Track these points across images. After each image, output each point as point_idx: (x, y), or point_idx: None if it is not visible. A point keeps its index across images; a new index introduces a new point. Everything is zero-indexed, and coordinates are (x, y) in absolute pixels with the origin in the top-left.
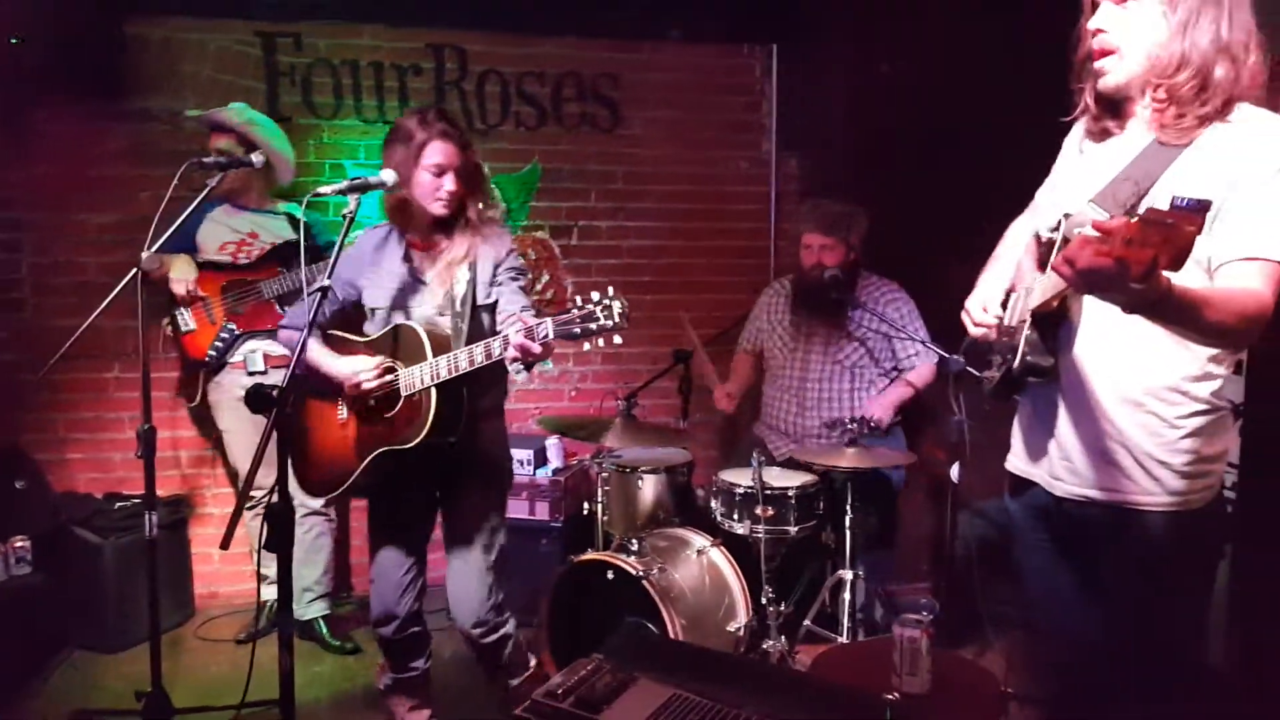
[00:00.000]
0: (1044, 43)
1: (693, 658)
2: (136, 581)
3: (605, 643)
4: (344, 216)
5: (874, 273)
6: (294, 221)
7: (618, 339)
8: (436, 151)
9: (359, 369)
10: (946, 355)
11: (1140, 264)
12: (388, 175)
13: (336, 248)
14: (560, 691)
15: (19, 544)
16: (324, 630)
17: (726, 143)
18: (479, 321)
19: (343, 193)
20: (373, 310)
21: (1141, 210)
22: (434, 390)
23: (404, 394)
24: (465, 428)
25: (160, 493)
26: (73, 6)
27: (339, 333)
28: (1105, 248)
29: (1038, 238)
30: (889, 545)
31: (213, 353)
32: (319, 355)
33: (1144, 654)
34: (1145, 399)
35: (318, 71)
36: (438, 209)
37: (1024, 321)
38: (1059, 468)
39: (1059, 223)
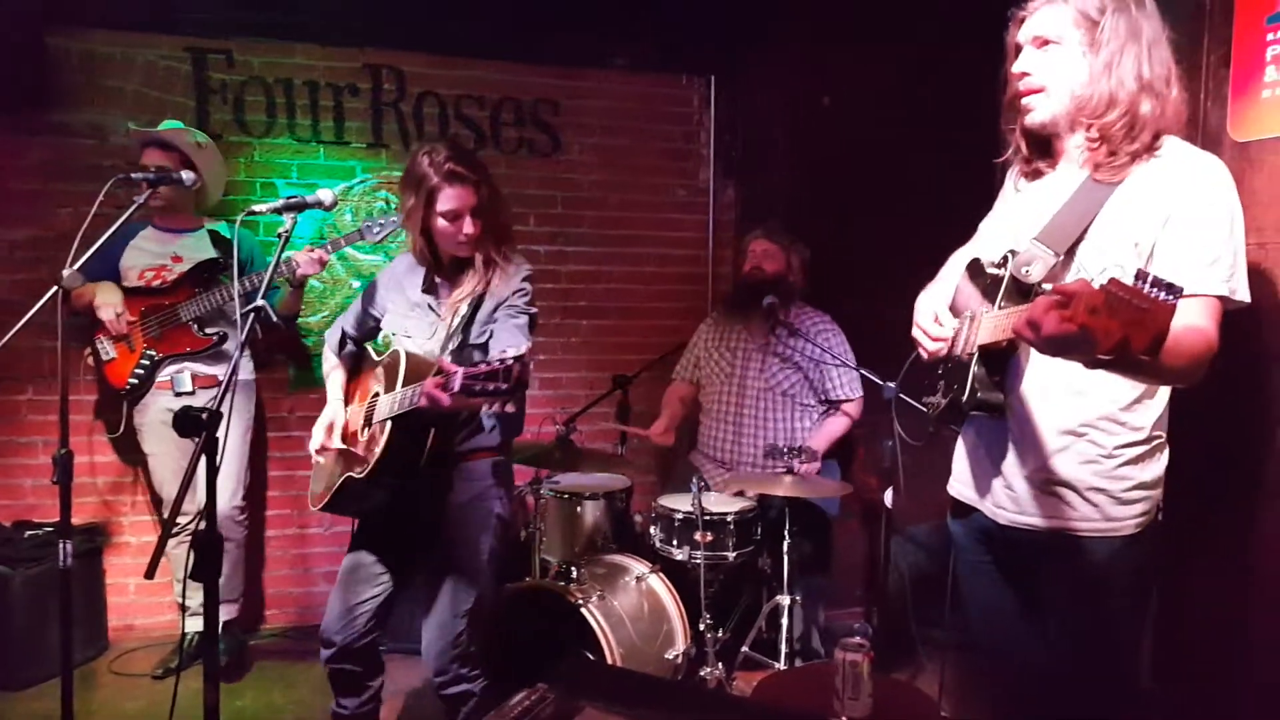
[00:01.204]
0: (979, 78)
1: (639, 685)
2: (47, 613)
3: (548, 671)
4: (279, 235)
5: (807, 303)
6: (216, 239)
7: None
8: (449, 198)
9: (323, 424)
10: (880, 382)
11: (1110, 338)
12: (325, 195)
13: (271, 266)
14: None
15: None
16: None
17: (665, 171)
18: (467, 359)
19: (278, 211)
20: (391, 334)
21: (1089, 264)
22: (389, 424)
23: (374, 422)
24: (439, 466)
25: (73, 520)
26: None
27: (369, 349)
28: (1068, 313)
29: (980, 268)
30: (824, 570)
31: (133, 380)
32: (331, 379)
33: (1084, 676)
34: (1084, 429)
35: (250, 89)
36: (461, 252)
37: (971, 355)
38: (1001, 496)
39: (1005, 259)
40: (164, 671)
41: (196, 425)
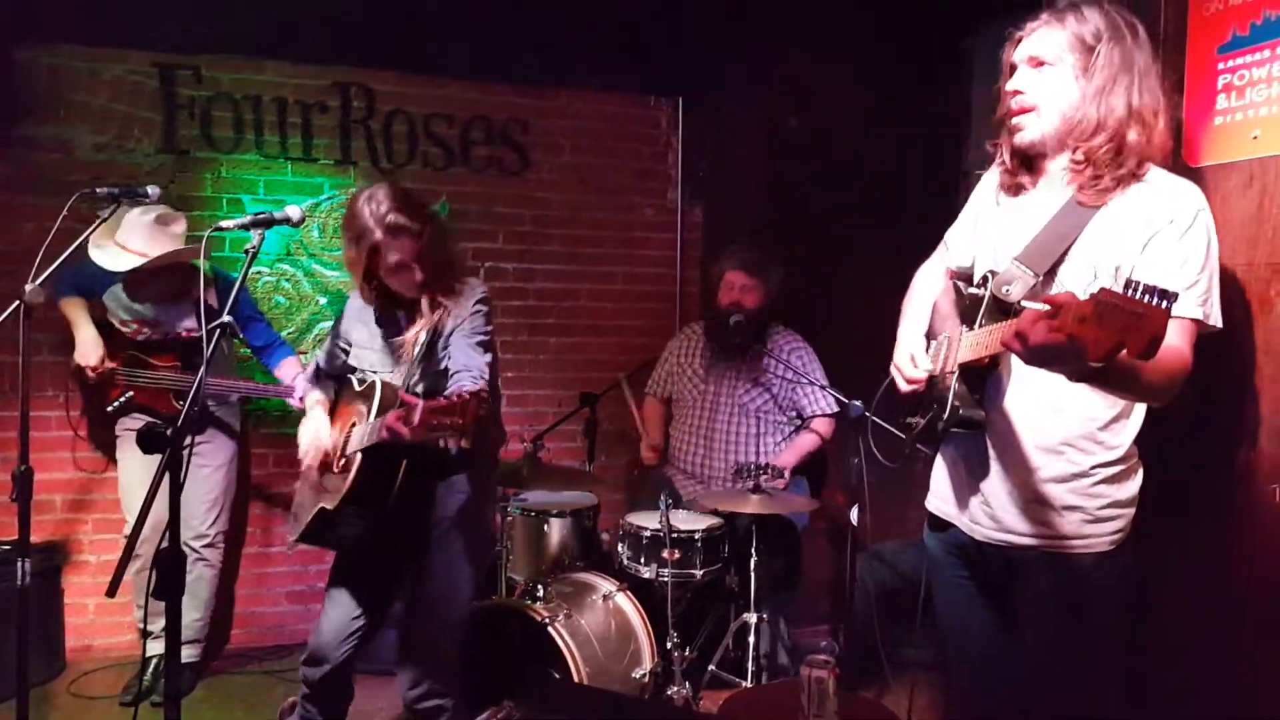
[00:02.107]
0: (947, 99)
1: (605, 704)
2: (3, 633)
3: (515, 689)
4: (246, 252)
5: (778, 322)
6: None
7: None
8: (393, 251)
9: (303, 441)
10: (846, 401)
11: (1101, 346)
12: (293, 211)
13: (239, 283)
14: None
15: None
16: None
17: (634, 190)
18: (439, 386)
19: (245, 228)
20: (365, 371)
21: (1070, 284)
22: (359, 456)
23: (348, 453)
24: (413, 499)
25: (32, 538)
26: None
27: (354, 377)
28: (1057, 323)
29: (959, 290)
30: (792, 588)
31: (111, 408)
32: (313, 407)
33: (1058, 692)
34: (1063, 447)
35: (218, 105)
36: (408, 293)
37: (951, 373)
38: (979, 513)
39: (985, 278)
40: (133, 698)
41: (161, 441)
